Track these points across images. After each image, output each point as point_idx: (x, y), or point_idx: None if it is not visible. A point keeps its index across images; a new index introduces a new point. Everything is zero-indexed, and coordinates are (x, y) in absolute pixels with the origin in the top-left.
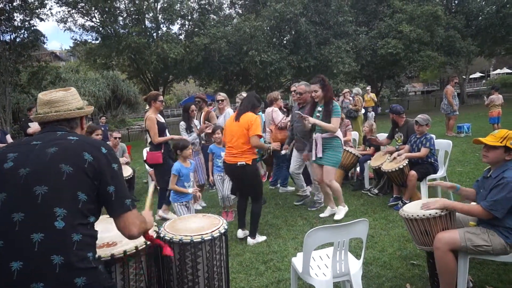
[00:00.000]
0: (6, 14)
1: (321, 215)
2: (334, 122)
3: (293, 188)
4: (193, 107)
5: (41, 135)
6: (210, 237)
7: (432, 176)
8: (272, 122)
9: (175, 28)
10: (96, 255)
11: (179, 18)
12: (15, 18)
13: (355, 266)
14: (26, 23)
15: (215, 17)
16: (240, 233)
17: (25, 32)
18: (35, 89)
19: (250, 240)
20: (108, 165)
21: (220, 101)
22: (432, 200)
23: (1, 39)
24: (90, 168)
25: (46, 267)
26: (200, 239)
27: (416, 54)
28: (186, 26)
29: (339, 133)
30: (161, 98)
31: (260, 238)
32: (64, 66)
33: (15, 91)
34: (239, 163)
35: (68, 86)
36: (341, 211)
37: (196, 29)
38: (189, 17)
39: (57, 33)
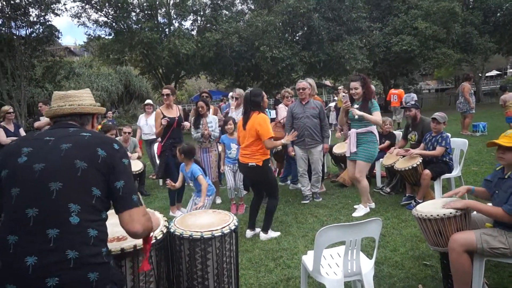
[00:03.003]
0: (22, 9)
1: (354, 214)
2: (376, 115)
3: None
4: (201, 103)
5: (52, 131)
6: (220, 233)
7: (447, 175)
8: (276, 118)
9: (187, 23)
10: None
11: (192, 14)
12: (31, 13)
13: (367, 266)
14: (41, 18)
15: (227, 12)
16: (249, 233)
17: (40, 27)
18: (49, 83)
19: (262, 235)
20: (119, 161)
21: (236, 99)
22: (454, 200)
23: (17, 34)
24: (103, 163)
25: (61, 262)
26: (210, 235)
27: (431, 52)
28: (198, 22)
29: (373, 129)
30: (163, 91)
31: (274, 234)
32: (78, 61)
33: (30, 85)
34: (249, 164)
35: (81, 80)
36: (361, 210)
37: (208, 25)
38: (202, 13)
39: (71, 28)
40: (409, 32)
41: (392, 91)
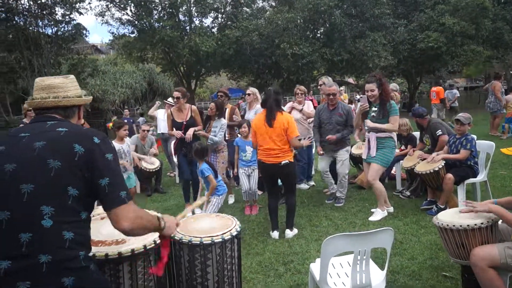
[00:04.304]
0: (49, 9)
1: (371, 218)
2: (393, 120)
3: (307, 186)
4: (212, 104)
5: (30, 125)
6: (220, 240)
7: (471, 180)
8: None
9: (208, 21)
10: (90, 254)
11: (212, 11)
12: (57, 12)
13: (377, 277)
14: (67, 17)
15: (248, 10)
16: (276, 234)
17: (66, 25)
18: None
19: (290, 233)
20: (101, 155)
21: (248, 95)
22: (477, 203)
23: (44, 32)
24: (81, 161)
25: (33, 266)
26: (210, 241)
27: (459, 48)
28: (219, 19)
29: (393, 134)
30: (174, 94)
31: (295, 230)
32: (103, 59)
33: None
34: (283, 163)
35: (106, 78)
36: (378, 214)
37: (228, 22)
38: (222, 10)
39: (98, 27)
40: (435, 28)
41: (432, 88)
